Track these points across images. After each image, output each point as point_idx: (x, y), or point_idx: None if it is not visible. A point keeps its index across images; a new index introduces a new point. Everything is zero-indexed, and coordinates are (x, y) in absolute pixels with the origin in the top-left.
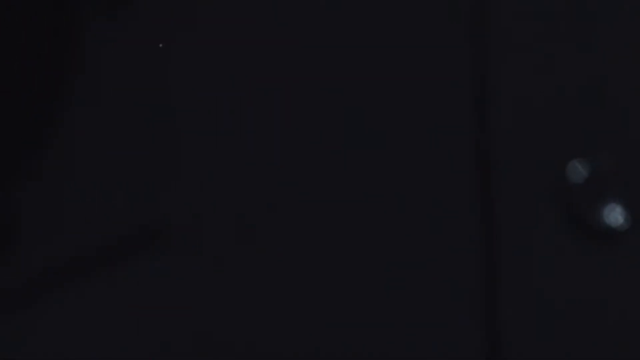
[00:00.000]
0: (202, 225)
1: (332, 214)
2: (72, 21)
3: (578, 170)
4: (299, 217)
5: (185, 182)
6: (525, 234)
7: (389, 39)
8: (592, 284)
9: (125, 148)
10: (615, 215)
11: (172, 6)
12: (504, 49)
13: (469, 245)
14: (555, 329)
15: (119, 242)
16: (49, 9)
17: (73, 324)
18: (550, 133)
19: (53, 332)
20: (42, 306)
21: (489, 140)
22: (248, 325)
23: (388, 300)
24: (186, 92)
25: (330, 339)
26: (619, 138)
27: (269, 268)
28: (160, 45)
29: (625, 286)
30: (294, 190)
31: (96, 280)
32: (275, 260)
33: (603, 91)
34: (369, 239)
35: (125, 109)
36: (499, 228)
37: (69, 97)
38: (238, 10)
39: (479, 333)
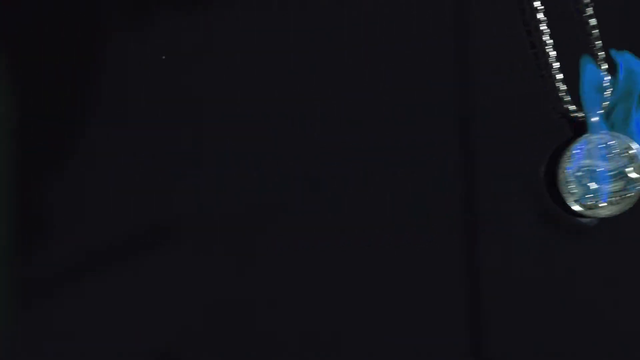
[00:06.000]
0: (210, 224)
1: (328, 212)
2: (95, 31)
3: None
4: (299, 216)
5: (196, 185)
6: (505, 230)
7: (377, 44)
8: (562, 273)
9: (141, 151)
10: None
11: (188, 17)
12: (484, 62)
13: (455, 242)
14: (529, 315)
15: (134, 238)
16: (73, 19)
17: (92, 310)
18: (525, 138)
19: (75, 316)
20: (67, 293)
21: (473, 145)
22: (251, 315)
23: (377, 294)
24: (200, 98)
25: (324, 329)
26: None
27: (270, 264)
28: (163, 57)
29: (596, 274)
30: (295, 190)
31: (113, 271)
32: (277, 257)
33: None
34: (360, 235)
35: (141, 114)
36: (480, 225)
37: (92, 103)
38: (246, 20)
39: (462, 323)
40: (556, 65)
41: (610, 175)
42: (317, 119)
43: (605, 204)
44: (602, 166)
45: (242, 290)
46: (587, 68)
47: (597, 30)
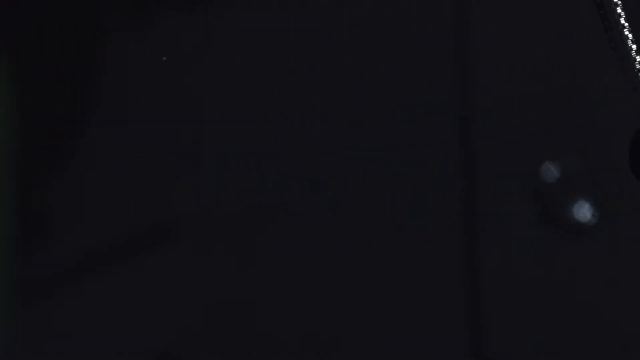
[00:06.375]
0: (209, 224)
1: (327, 212)
2: (95, 31)
3: (550, 171)
4: (299, 216)
5: (196, 185)
6: (505, 230)
7: (377, 44)
8: (562, 273)
9: (141, 151)
10: (584, 212)
11: (188, 17)
12: (484, 62)
13: (455, 242)
14: (529, 315)
15: (134, 238)
16: (73, 19)
17: (92, 310)
18: (525, 139)
19: (75, 316)
20: (67, 293)
21: (473, 145)
22: (251, 315)
23: (377, 294)
24: (199, 98)
25: (324, 329)
26: (586, 142)
27: (270, 264)
28: (164, 58)
29: (596, 274)
30: (295, 190)
31: (113, 271)
32: (277, 257)
33: (572, 101)
34: (360, 235)
35: (141, 114)
36: (479, 225)
37: (92, 103)
38: (246, 20)
39: (462, 323)
40: (634, 47)
41: None
42: (317, 119)
43: None
44: None
45: (242, 290)
46: None
47: None
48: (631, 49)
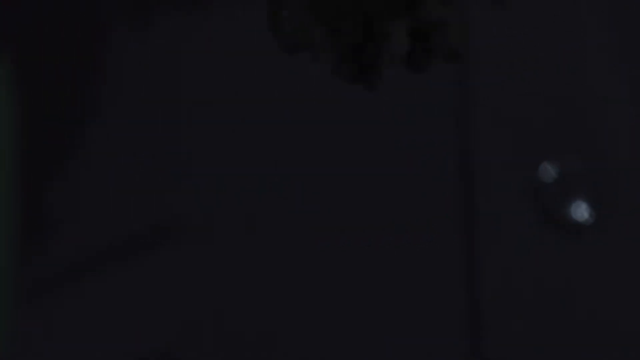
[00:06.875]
0: (209, 224)
1: (327, 212)
2: (95, 31)
3: (548, 171)
4: (299, 216)
5: (196, 185)
6: (502, 229)
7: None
8: (561, 273)
9: (141, 152)
10: (581, 211)
11: (188, 17)
12: (484, 62)
13: (455, 242)
14: (529, 315)
15: (134, 238)
16: (73, 19)
17: (92, 310)
18: (524, 139)
19: (75, 316)
20: (67, 293)
21: (471, 146)
22: (251, 315)
23: (377, 294)
24: (198, 98)
25: (324, 329)
26: (584, 143)
27: (270, 264)
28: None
29: (590, 273)
30: (295, 190)
31: (113, 271)
32: (277, 257)
33: (571, 101)
34: (360, 235)
35: (140, 115)
36: (479, 225)
37: (92, 103)
38: (246, 20)
39: (462, 323)
40: None
41: None
42: (317, 119)
43: None
44: None
45: (242, 290)
46: None
47: None
48: None
